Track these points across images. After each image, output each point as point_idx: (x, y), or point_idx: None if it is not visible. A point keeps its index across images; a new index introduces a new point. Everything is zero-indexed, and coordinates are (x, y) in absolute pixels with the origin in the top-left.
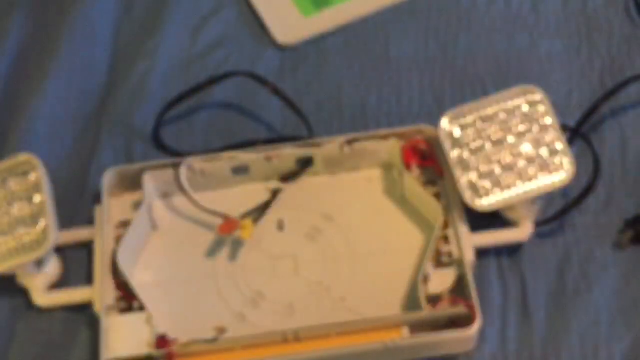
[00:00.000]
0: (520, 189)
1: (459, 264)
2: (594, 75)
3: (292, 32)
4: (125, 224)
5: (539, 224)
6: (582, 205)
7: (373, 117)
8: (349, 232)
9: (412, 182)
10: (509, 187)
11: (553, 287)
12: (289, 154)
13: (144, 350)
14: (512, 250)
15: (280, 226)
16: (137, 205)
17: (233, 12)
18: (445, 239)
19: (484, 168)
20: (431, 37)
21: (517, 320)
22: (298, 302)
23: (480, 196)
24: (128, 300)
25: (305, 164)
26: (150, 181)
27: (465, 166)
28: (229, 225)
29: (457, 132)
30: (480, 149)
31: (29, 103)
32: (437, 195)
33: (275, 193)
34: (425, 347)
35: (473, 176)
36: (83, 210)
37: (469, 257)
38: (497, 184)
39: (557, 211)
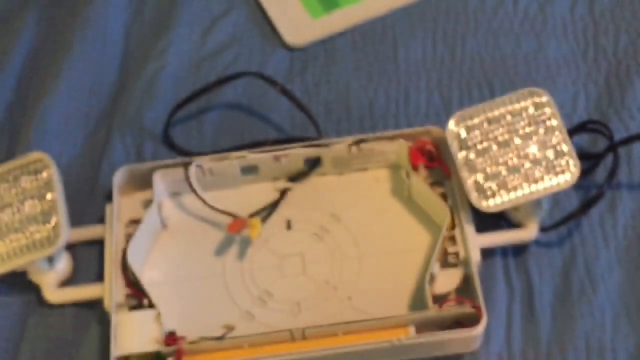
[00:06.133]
0: (526, 191)
1: (465, 264)
2: (600, 78)
3: (301, 33)
4: (135, 222)
5: (545, 229)
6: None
7: (381, 118)
8: (356, 232)
9: (419, 182)
10: (515, 188)
11: (559, 287)
12: (297, 154)
13: (153, 347)
14: (518, 251)
15: (288, 225)
16: (147, 204)
17: (242, 13)
18: (452, 239)
19: (490, 169)
20: (439, 39)
21: (522, 321)
22: (305, 301)
23: (487, 197)
24: (137, 297)
25: (314, 164)
26: (160, 180)
27: (471, 167)
28: (238, 224)
29: (464, 134)
30: (487, 150)
31: (41, 102)
32: (444, 196)
33: (283, 192)
34: (431, 347)
35: (479, 177)
36: (94, 208)
37: (475, 257)
38: (503, 185)
39: (563, 217)
